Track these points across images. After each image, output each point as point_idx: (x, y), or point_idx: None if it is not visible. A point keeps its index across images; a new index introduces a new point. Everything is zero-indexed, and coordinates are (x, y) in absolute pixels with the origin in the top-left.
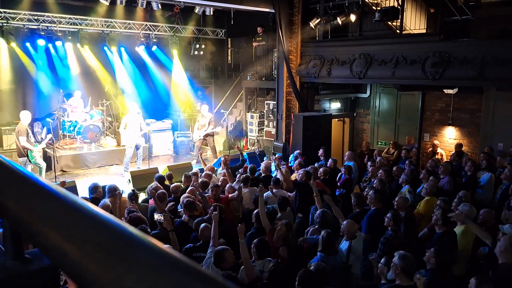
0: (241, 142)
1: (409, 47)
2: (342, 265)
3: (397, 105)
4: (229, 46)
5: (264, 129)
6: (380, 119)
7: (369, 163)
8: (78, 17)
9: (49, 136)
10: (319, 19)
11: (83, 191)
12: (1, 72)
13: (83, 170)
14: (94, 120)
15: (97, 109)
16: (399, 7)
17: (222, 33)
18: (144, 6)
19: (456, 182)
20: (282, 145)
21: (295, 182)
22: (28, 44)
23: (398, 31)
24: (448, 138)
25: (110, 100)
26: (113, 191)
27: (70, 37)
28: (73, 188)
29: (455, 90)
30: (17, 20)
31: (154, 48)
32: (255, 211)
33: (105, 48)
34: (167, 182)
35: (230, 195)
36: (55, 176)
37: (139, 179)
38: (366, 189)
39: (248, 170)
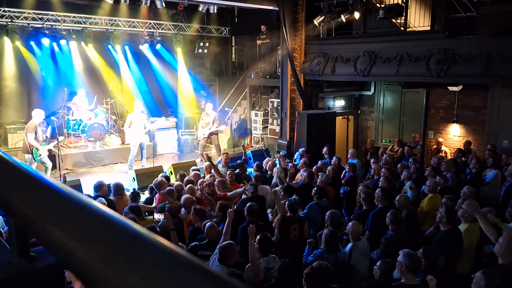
0: (246, 140)
1: (413, 44)
2: (343, 263)
3: (401, 102)
4: (233, 44)
5: (268, 127)
6: (385, 117)
7: (372, 160)
8: (82, 15)
9: (54, 142)
10: (323, 17)
11: (88, 190)
12: (6, 71)
13: (87, 169)
14: (99, 118)
15: (101, 107)
16: (403, 4)
17: (226, 31)
18: (148, 4)
19: (460, 179)
20: (286, 143)
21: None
22: (32, 43)
23: (402, 28)
24: (453, 136)
25: (115, 98)
26: (120, 190)
27: (74, 36)
28: (77, 187)
29: (460, 87)
30: (22, 19)
31: (158, 46)
32: (248, 204)
33: (109, 46)
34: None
35: (229, 194)
36: (60, 174)
37: (144, 177)
38: (360, 188)
39: (255, 168)
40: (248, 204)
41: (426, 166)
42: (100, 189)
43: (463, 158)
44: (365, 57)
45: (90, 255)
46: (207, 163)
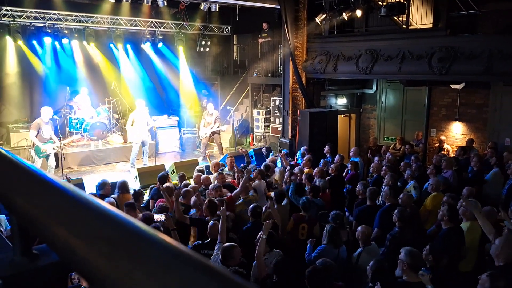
0: (247, 138)
1: (415, 42)
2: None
3: (403, 100)
4: (234, 42)
5: (270, 126)
6: (387, 115)
7: (376, 159)
8: (84, 14)
9: (57, 144)
10: (325, 15)
11: (91, 188)
12: (8, 70)
13: (90, 167)
14: (101, 117)
15: (103, 106)
16: (405, 2)
17: (228, 30)
18: (150, 3)
19: (462, 177)
20: (288, 141)
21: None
22: (34, 42)
23: (404, 26)
24: (455, 134)
25: (117, 97)
26: (124, 188)
27: (76, 35)
28: (80, 185)
29: (462, 85)
30: (24, 18)
31: (160, 45)
32: (251, 206)
33: (111, 45)
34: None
35: (233, 194)
36: (63, 173)
37: (146, 176)
38: (358, 187)
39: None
40: (251, 206)
41: (428, 164)
42: (103, 188)
43: (464, 156)
44: (367, 55)
45: (93, 253)
46: (215, 161)
